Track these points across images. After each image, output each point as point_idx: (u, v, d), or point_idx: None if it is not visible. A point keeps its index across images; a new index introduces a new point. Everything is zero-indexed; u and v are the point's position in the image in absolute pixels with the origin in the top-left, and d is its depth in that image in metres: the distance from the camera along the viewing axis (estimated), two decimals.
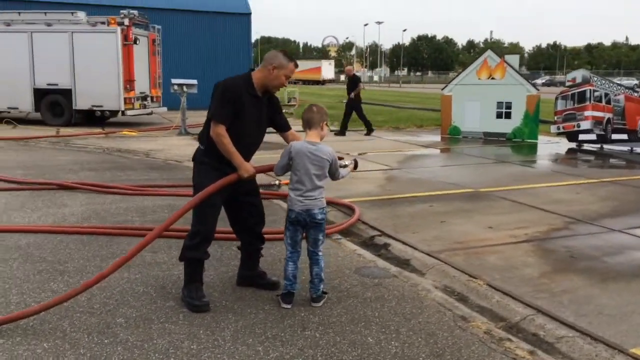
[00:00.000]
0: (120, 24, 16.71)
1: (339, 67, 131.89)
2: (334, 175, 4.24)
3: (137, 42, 17.19)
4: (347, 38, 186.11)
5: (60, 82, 17.03)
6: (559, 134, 15.50)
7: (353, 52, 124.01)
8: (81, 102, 17.09)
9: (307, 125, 4.16)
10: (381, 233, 6.42)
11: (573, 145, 14.77)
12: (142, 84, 17.80)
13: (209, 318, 3.97)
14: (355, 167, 4.52)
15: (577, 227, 6.71)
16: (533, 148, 14.57)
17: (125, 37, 16.82)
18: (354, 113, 16.75)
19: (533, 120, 15.40)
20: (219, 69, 26.21)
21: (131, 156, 12.07)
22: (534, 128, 15.42)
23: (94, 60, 16.72)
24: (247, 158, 4.29)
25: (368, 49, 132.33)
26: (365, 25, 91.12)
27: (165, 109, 19.32)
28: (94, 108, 17.26)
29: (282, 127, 4.49)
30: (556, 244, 6.03)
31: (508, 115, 15.64)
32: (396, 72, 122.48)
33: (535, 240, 6.18)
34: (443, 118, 16.86)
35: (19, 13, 17.32)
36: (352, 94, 16.68)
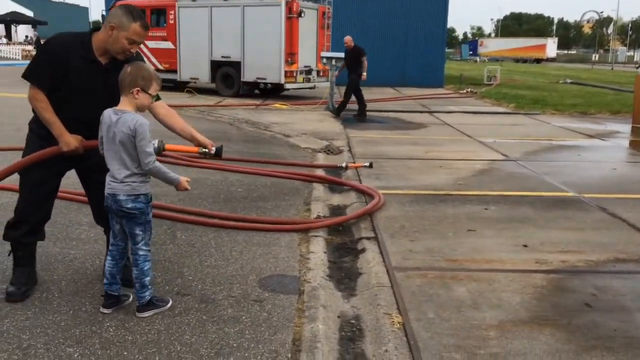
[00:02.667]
0: None
1: (598, 47, 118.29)
2: (139, 158, 3.22)
3: (302, 15, 17.07)
4: (601, 12, 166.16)
5: (232, 54, 17.77)
6: None
7: (610, 29, 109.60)
8: (248, 74, 17.64)
9: (120, 89, 3.32)
10: (374, 235, 5.20)
11: None
12: (307, 57, 17.70)
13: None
14: (217, 155, 3.59)
15: None
16: None
17: (290, 10, 16.82)
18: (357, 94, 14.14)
19: None
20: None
21: (247, 127, 11.99)
22: None
23: (260, 33, 17.08)
24: (85, 134, 3.58)
25: (630, 25, 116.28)
26: None
27: None
28: (259, 80, 17.71)
29: None
30: (588, 282, 4.20)
31: None
32: None
33: (566, 272, 4.39)
34: (635, 104, 13.71)
35: None
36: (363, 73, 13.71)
